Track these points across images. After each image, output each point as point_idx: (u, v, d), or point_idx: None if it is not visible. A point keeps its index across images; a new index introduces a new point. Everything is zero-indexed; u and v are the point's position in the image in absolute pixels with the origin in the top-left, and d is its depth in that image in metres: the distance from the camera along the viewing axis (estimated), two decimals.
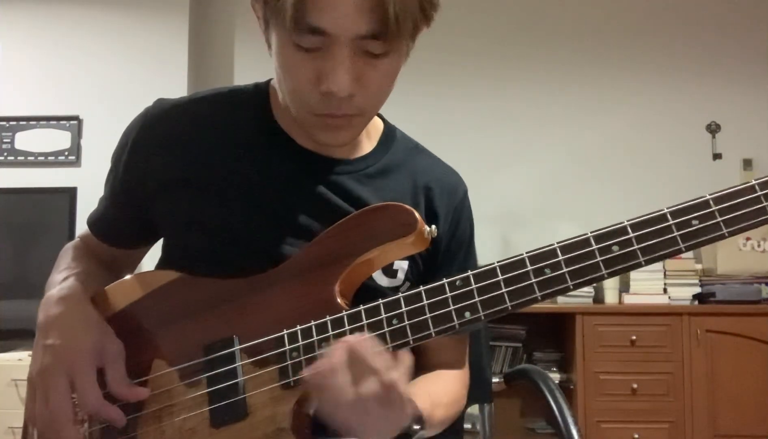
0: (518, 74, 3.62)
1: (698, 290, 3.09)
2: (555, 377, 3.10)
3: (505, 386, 1.46)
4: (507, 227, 3.44)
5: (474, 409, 1.34)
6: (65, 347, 0.81)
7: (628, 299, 3.13)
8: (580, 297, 3.16)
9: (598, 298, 3.22)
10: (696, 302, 3.08)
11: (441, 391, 0.90)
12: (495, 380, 1.39)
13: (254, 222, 0.87)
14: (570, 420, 1.13)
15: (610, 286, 3.16)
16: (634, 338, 2.96)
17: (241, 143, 0.90)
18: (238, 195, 0.88)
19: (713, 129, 3.51)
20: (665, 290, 3.11)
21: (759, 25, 3.54)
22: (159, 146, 0.90)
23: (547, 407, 1.19)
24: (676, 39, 3.57)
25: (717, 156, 3.49)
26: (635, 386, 2.93)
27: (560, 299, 3.16)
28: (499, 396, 1.40)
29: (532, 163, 3.56)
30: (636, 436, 2.90)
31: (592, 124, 3.57)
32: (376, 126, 0.99)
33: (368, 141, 0.96)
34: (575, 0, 3.64)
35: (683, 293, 3.09)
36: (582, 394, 2.96)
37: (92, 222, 1.01)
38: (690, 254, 3.32)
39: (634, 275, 3.14)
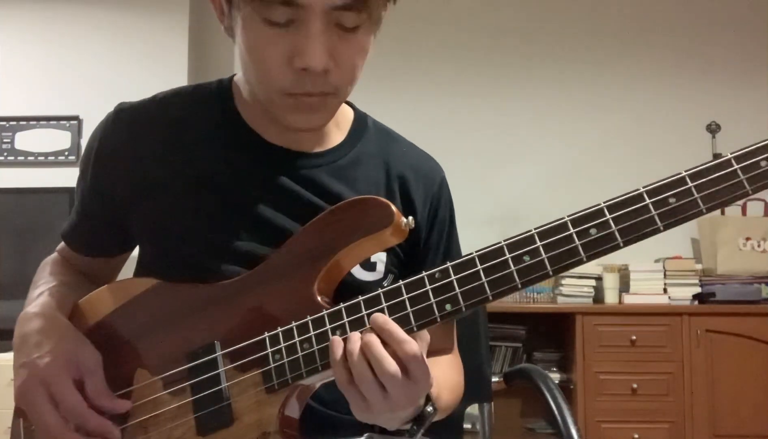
0: (518, 74, 3.62)
1: (698, 290, 3.09)
2: (555, 377, 3.10)
3: (505, 386, 1.46)
4: (507, 227, 3.43)
5: (474, 409, 1.34)
6: (39, 359, 0.79)
7: (628, 299, 3.13)
8: (580, 297, 3.16)
9: (598, 298, 3.22)
10: (696, 302, 3.08)
11: (442, 376, 0.89)
12: (495, 380, 1.39)
13: (225, 223, 0.86)
14: (570, 420, 1.13)
15: (610, 286, 3.16)
16: (634, 338, 2.96)
17: (207, 143, 0.89)
18: (207, 197, 0.86)
19: (713, 129, 3.51)
20: (665, 290, 3.11)
21: (759, 25, 3.54)
22: (124, 152, 0.88)
23: (547, 407, 1.19)
24: (676, 39, 3.57)
25: (717, 156, 3.47)
26: (635, 386, 2.93)
27: (560, 298, 3.16)
28: (499, 396, 1.40)
29: (532, 163, 3.55)
30: (636, 436, 2.90)
31: (592, 124, 3.57)
32: (346, 115, 0.96)
33: (338, 131, 0.94)
34: (575, 0, 3.64)
35: (683, 293, 3.08)
36: (582, 394, 2.95)
37: (66, 233, 0.99)
38: (690, 253, 3.32)
39: (634, 275, 3.14)
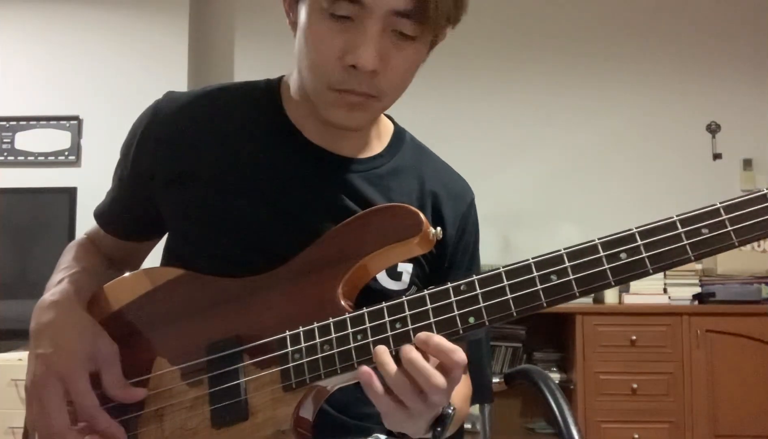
0: (518, 74, 3.62)
1: (698, 290, 3.09)
2: (555, 377, 3.10)
3: (505, 386, 1.46)
4: (507, 227, 3.44)
5: (474, 409, 1.33)
6: (56, 355, 0.80)
7: (628, 299, 3.13)
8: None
9: (598, 298, 3.22)
10: (696, 302, 3.08)
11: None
12: (495, 380, 1.39)
13: (261, 218, 0.87)
14: (570, 420, 1.13)
15: None
16: (634, 338, 2.96)
17: (250, 138, 0.90)
18: (246, 191, 0.87)
19: (713, 129, 3.51)
20: (665, 290, 3.11)
21: (759, 25, 3.54)
22: (168, 139, 0.90)
23: (547, 407, 1.19)
24: (676, 39, 3.57)
25: (717, 156, 3.49)
26: (635, 386, 2.93)
27: None
28: (499, 396, 1.40)
29: (532, 163, 3.56)
30: (636, 436, 2.90)
31: (592, 124, 3.57)
32: (387, 127, 0.98)
33: (378, 142, 0.95)
34: (575, 0, 3.64)
35: (683, 293, 3.09)
36: (582, 394, 2.96)
37: (99, 213, 1.00)
38: None
39: None
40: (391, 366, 0.69)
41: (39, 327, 0.84)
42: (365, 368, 0.70)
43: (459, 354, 0.69)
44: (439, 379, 0.68)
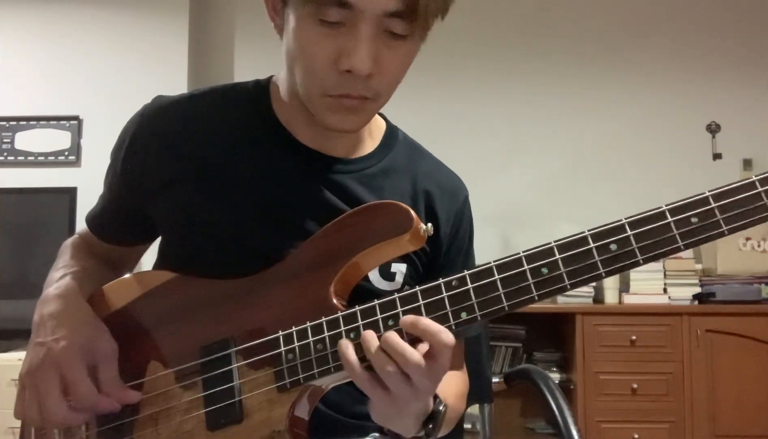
0: (518, 74, 3.62)
1: (698, 290, 3.09)
2: (555, 377, 3.10)
3: (505, 386, 1.46)
4: (507, 227, 3.43)
5: (474, 409, 1.34)
6: (55, 343, 0.80)
7: (628, 299, 3.13)
8: (580, 297, 3.16)
9: (598, 298, 3.22)
10: (696, 302, 3.08)
11: (447, 383, 0.89)
12: (495, 380, 1.39)
13: (252, 220, 0.87)
14: (570, 420, 1.13)
15: (610, 286, 3.16)
16: (634, 338, 2.96)
17: (240, 140, 0.89)
18: (237, 193, 0.87)
19: (713, 129, 3.51)
20: (665, 290, 3.11)
21: (759, 25, 3.54)
22: (157, 144, 0.89)
23: (547, 407, 1.19)
24: (676, 39, 3.57)
25: (717, 156, 3.49)
26: (635, 386, 2.93)
27: (560, 298, 3.16)
28: (499, 396, 1.40)
29: (531, 164, 3.56)
30: (636, 436, 2.90)
31: (592, 124, 3.57)
32: (379, 126, 0.97)
33: (370, 140, 0.95)
34: (575, 1, 3.64)
35: (683, 293, 3.08)
36: (582, 394, 2.96)
37: (90, 219, 1.00)
38: (690, 253, 3.32)
39: (634, 274, 3.15)
40: (374, 343, 0.69)
41: (42, 318, 0.84)
42: (343, 340, 0.71)
43: (445, 335, 0.69)
44: (415, 356, 0.68)
